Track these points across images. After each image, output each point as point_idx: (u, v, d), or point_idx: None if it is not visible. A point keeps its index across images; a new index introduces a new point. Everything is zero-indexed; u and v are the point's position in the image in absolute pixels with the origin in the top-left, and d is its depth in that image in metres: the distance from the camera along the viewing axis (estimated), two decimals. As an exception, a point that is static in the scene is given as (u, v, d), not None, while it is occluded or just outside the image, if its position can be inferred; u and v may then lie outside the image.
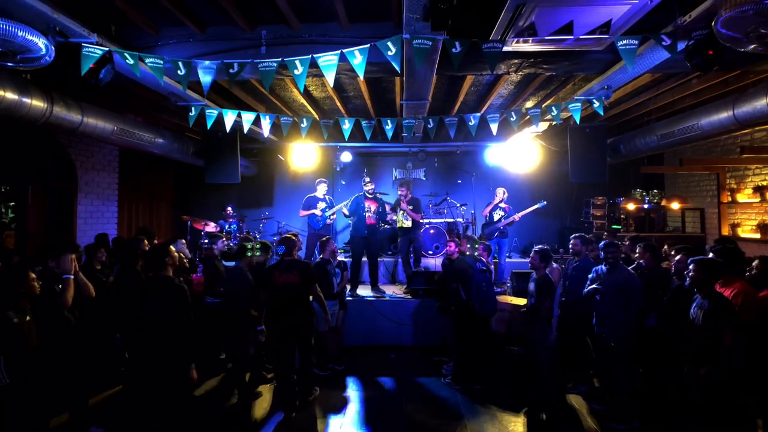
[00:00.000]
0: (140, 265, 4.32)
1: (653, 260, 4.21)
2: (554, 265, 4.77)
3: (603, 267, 4.02)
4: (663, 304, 3.80)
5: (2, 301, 2.81)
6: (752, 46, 2.75)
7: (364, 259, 6.59)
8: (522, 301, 5.57)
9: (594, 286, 4.01)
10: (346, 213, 6.72)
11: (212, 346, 5.04)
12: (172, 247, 3.47)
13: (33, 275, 3.02)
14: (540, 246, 4.54)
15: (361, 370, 5.21)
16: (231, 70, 3.38)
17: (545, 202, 7.15)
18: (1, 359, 2.71)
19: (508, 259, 7.26)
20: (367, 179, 6.75)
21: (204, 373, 4.84)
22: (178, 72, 3.37)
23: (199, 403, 4.34)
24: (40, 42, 2.84)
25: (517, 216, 7.01)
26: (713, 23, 2.71)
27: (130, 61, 3.22)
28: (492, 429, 3.89)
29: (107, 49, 3.21)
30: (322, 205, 6.92)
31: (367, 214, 6.47)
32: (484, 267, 4.78)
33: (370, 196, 6.59)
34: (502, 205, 7.12)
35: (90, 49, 3.14)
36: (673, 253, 4.00)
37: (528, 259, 4.66)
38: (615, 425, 3.84)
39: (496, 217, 7.10)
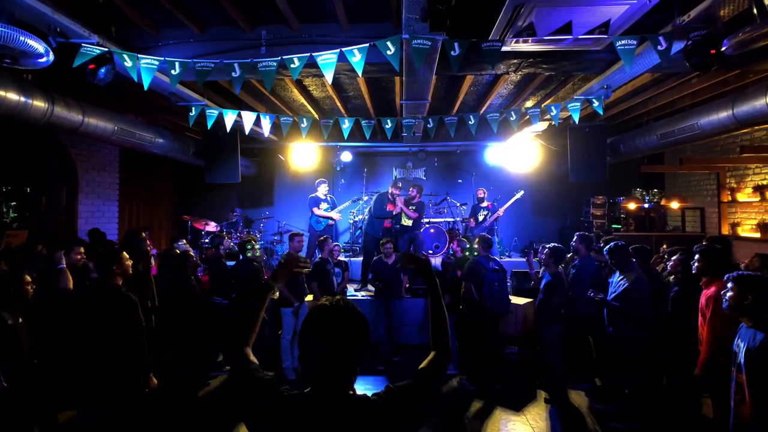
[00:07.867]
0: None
1: (643, 262, 4.14)
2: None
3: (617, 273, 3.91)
4: (662, 307, 3.78)
5: None
6: None
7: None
8: (521, 300, 5.58)
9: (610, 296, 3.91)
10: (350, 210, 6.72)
11: (212, 348, 5.04)
12: (124, 254, 2.99)
13: (29, 278, 2.96)
14: (553, 244, 4.52)
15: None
16: (233, 74, 3.38)
17: (523, 191, 7.36)
18: None
19: (508, 258, 7.28)
20: (399, 183, 6.68)
21: (204, 374, 4.86)
22: (172, 71, 3.36)
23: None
24: (41, 47, 2.85)
25: (500, 210, 7.19)
26: (723, 49, 2.73)
27: (128, 63, 3.23)
28: (492, 427, 3.90)
29: (106, 49, 3.22)
30: (324, 206, 6.98)
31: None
32: (497, 267, 4.77)
33: (391, 199, 6.57)
34: (484, 204, 7.24)
35: (89, 48, 3.15)
36: (665, 246, 3.93)
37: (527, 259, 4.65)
38: (615, 424, 3.85)
39: (481, 218, 7.24)
